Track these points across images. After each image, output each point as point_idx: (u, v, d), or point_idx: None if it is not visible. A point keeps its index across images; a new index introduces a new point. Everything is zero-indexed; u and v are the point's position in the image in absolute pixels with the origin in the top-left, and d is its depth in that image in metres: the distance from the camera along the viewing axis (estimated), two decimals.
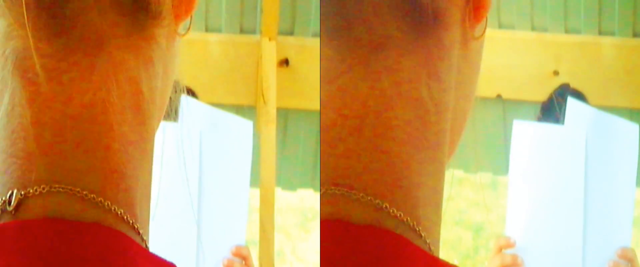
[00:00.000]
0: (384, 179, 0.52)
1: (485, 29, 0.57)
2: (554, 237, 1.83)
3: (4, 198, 0.53)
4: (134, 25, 0.55)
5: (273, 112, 2.37)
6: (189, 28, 0.59)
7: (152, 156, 0.58)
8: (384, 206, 0.52)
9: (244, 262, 1.89)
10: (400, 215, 0.52)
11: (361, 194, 0.52)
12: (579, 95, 1.98)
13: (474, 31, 0.57)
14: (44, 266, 0.51)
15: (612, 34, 2.40)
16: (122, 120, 0.55)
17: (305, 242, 4.10)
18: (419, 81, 0.54)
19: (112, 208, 0.54)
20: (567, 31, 2.43)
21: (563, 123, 1.86)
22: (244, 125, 1.97)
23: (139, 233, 0.55)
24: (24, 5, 0.53)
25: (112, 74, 0.55)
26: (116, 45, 0.55)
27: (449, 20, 0.54)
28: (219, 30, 2.44)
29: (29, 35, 0.53)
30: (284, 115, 2.48)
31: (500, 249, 1.83)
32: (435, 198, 0.55)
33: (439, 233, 0.55)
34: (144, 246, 0.56)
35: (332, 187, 0.52)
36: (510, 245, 1.82)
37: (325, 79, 0.53)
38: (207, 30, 2.43)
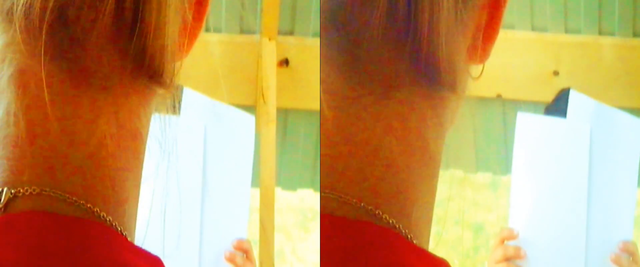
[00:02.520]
0: (380, 190, 0.54)
1: (482, 70, 0.58)
2: (556, 230, 1.83)
3: None
4: (140, 76, 0.56)
5: (273, 112, 2.37)
6: (180, 65, 0.60)
7: (141, 177, 0.59)
8: (376, 212, 0.53)
9: (245, 255, 1.89)
10: (392, 222, 0.53)
11: (354, 200, 0.53)
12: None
13: (473, 72, 0.58)
14: (31, 258, 0.51)
15: (612, 34, 2.41)
16: (122, 154, 0.56)
17: (305, 242, 4.10)
18: (425, 124, 0.55)
19: (101, 215, 0.54)
20: (567, 31, 2.43)
21: (565, 117, 1.86)
22: (246, 119, 1.97)
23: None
24: (42, 52, 0.54)
25: (113, 113, 0.55)
26: (121, 87, 0.55)
27: (461, 84, 0.56)
28: (219, 30, 2.44)
29: (43, 76, 0.54)
30: (284, 115, 2.48)
31: (502, 241, 1.83)
32: (428, 213, 0.56)
33: (428, 243, 0.57)
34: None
35: (329, 192, 0.53)
36: (513, 236, 1.82)
37: (331, 104, 0.54)
38: (207, 30, 2.43)
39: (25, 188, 0.53)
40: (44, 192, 0.53)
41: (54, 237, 0.52)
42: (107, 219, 0.55)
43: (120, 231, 0.55)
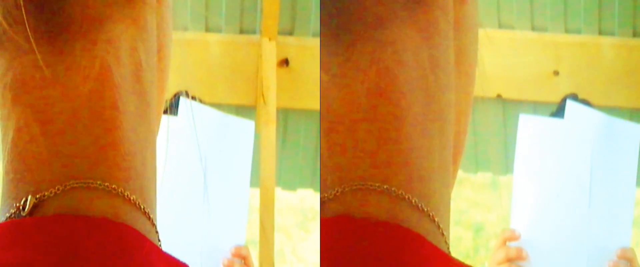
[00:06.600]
0: (397, 165, 0.52)
1: None
2: (558, 232, 1.83)
3: (17, 204, 0.53)
4: None
5: (273, 112, 2.37)
6: None
7: (155, 133, 0.59)
8: (399, 192, 0.51)
9: (243, 262, 1.89)
10: (415, 201, 0.52)
11: (377, 184, 0.51)
12: (585, 103, 1.98)
13: None
14: (61, 262, 0.51)
15: (612, 34, 2.40)
16: (126, 98, 0.55)
17: (305, 242, 4.10)
18: (421, 47, 0.53)
19: (126, 194, 0.54)
20: (567, 31, 2.43)
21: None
22: (245, 126, 1.97)
23: (149, 218, 0.55)
24: (24, 16, 0.54)
25: (111, 52, 0.55)
26: (111, 20, 0.55)
27: None
28: (219, 30, 2.44)
29: (33, 45, 0.54)
30: (284, 115, 2.48)
31: (504, 242, 1.83)
32: (444, 178, 0.55)
33: (449, 214, 0.55)
34: (155, 231, 0.56)
35: (347, 184, 0.52)
36: (515, 237, 1.81)
37: (328, 75, 0.53)
38: (207, 30, 2.43)
39: (50, 190, 0.53)
40: (67, 187, 0.53)
41: (85, 242, 0.52)
42: (132, 198, 0.54)
43: (144, 208, 0.55)
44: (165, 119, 0.62)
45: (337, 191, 0.51)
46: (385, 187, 0.51)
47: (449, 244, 0.54)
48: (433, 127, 0.54)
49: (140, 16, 0.57)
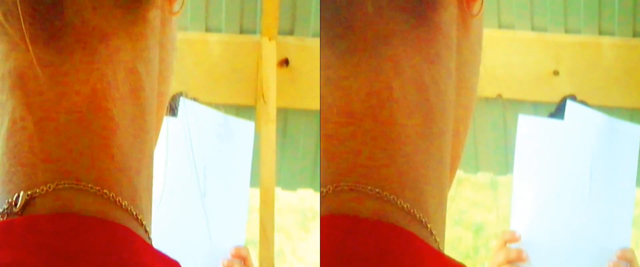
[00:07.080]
0: (390, 171, 0.53)
1: (482, 5, 0.58)
2: (559, 233, 1.82)
3: (10, 200, 0.53)
4: (128, 13, 0.56)
5: (273, 112, 2.37)
6: (182, 5, 0.60)
7: (152, 148, 0.59)
8: (391, 198, 0.52)
9: (243, 262, 1.89)
10: (407, 206, 0.52)
11: (369, 187, 0.52)
12: (583, 104, 1.97)
13: (472, 9, 0.57)
14: (51, 260, 0.51)
15: (612, 34, 2.40)
16: (122, 112, 0.55)
17: (305, 242, 4.10)
18: (421, 67, 0.54)
19: (117, 200, 0.54)
20: (567, 31, 2.43)
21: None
22: (245, 127, 1.97)
23: (142, 224, 0.56)
24: (20, 17, 0.54)
25: (110, 66, 0.55)
26: (112, 36, 0.55)
27: (446, 1, 0.55)
28: (219, 30, 2.44)
29: (29, 46, 0.54)
30: (284, 115, 2.48)
31: (505, 243, 1.82)
32: (440, 188, 0.55)
33: (444, 223, 0.56)
34: (147, 237, 0.56)
35: (341, 184, 0.52)
36: (515, 239, 1.81)
37: (327, 81, 0.53)
38: (207, 30, 2.43)
39: (41, 187, 0.54)
40: (59, 186, 0.53)
41: (73, 239, 0.52)
42: (123, 204, 0.54)
43: (136, 214, 0.55)
44: (164, 120, 0.62)
45: (328, 189, 0.52)
46: (376, 190, 0.52)
47: (441, 250, 0.54)
48: (429, 135, 0.54)
49: (142, 36, 0.57)
